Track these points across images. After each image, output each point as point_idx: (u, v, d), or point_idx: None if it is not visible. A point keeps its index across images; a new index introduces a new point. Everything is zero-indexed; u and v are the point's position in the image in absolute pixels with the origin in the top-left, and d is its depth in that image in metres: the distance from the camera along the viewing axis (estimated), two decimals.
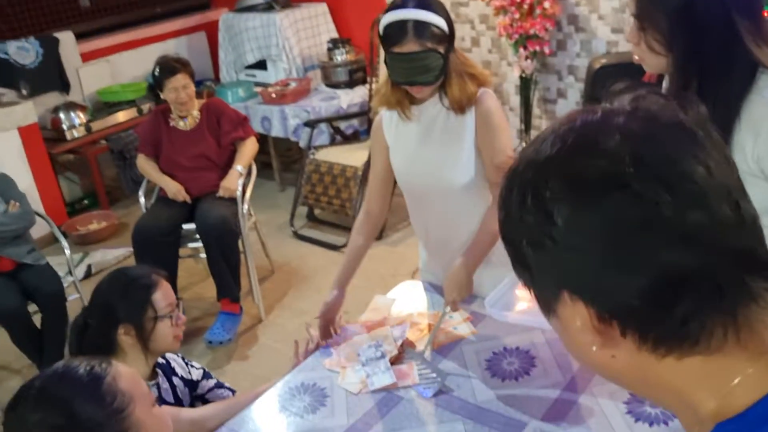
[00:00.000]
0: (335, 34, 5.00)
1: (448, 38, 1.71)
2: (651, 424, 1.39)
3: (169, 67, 3.26)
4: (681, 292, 0.53)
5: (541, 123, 4.39)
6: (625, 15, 3.80)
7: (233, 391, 1.96)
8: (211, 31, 5.45)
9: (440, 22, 1.68)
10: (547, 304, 0.61)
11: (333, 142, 4.44)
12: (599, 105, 0.61)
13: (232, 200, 3.33)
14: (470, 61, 1.81)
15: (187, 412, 1.78)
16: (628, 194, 0.53)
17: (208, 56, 5.63)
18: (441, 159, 1.82)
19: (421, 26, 1.66)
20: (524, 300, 1.66)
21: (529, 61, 3.98)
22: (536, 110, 4.33)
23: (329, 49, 4.67)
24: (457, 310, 1.79)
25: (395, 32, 1.68)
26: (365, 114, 4.50)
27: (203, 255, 3.30)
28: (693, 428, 0.58)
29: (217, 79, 5.42)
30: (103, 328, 1.67)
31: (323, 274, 3.77)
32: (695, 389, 0.57)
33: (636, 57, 1.41)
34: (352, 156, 4.11)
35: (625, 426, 1.40)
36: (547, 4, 3.78)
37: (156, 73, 3.31)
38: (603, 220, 0.53)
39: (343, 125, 4.50)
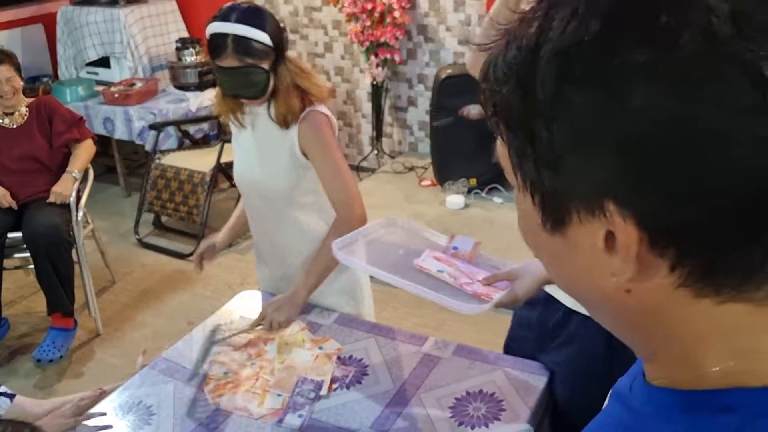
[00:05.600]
0: (185, 34, 4.82)
1: (275, 52, 1.68)
2: (473, 428, 1.43)
3: None
4: None
5: (392, 130, 4.47)
6: (470, 27, 3.96)
7: (11, 396, 1.82)
8: (49, 23, 5.07)
9: (263, 37, 1.64)
10: (557, 212, 0.46)
11: (181, 146, 4.27)
12: None
13: (65, 206, 3.10)
14: (307, 73, 1.76)
15: None
16: (736, 69, 0.38)
17: (45, 51, 5.23)
18: (265, 166, 1.81)
19: (241, 42, 1.63)
20: (372, 247, 1.61)
21: (380, 68, 4.04)
22: (387, 117, 4.40)
23: (178, 49, 4.49)
24: (273, 330, 1.77)
25: (216, 45, 1.65)
26: (216, 118, 4.35)
27: (33, 266, 3.05)
28: (672, 376, 0.49)
29: (55, 76, 5.06)
30: None
31: (169, 284, 3.61)
32: (715, 341, 0.46)
33: None
34: (201, 161, 3.97)
35: (449, 430, 1.43)
36: (397, 14, 3.86)
37: None
38: (699, 106, 0.38)
39: (192, 129, 4.35)
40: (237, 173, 1.91)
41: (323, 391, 1.58)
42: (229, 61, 1.64)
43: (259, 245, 2.02)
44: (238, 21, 1.63)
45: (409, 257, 1.55)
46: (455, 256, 1.55)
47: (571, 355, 1.54)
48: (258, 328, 1.80)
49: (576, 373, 1.54)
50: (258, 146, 1.82)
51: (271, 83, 1.69)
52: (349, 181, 1.79)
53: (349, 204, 1.77)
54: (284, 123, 1.73)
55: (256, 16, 1.65)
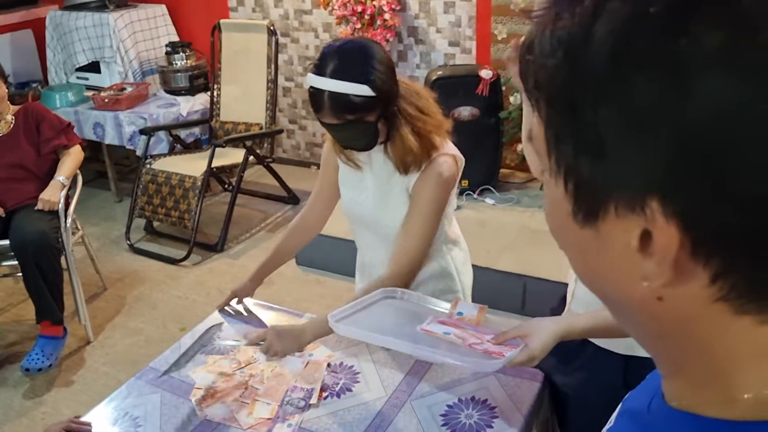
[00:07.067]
0: (175, 38, 4.79)
1: (381, 100, 1.49)
2: None
3: None
4: None
5: None
6: (461, 29, 3.94)
7: None
8: (38, 28, 5.04)
9: (362, 89, 1.45)
10: (592, 203, 0.42)
11: (172, 151, 4.24)
12: None
13: (54, 213, 3.06)
14: (426, 114, 1.58)
15: None
16: None
17: (35, 56, 5.20)
18: (382, 204, 1.70)
19: (337, 99, 1.46)
20: (373, 317, 1.50)
21: None
22: None
23: (168, 53, 4.47)
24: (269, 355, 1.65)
25: (314, 100, 1.50)
26: (206, 122, 4.34)
27: (21, 274, 3.01)
28: (697, 398, 0.45)
29: (45, 82, 5.03)
30: None
31: (160, 290, 3.58)
32: (751, 365, 0.42)
33: None
34: (191, 165, 3.94)
35: None
36: (387, 16, 3.84)
37: None
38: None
39: (183, 133, 4.32)
40: (347, 207, 1.79)
41: (313, 400, 1.55)
42: (328, 118, 1.50)
43: (366, 274, 1.89)
44: (334, 75, 1.45)
45: (412, 325, 1.44)
46: (461, 321, 1.45)
47: (585, 380, 1.51)
48: (255, 346, 1.71)
49: (588, 399, 1.49)
50: (374, 183, 1.69)
51: (382, 131, 1.55)
52: (426, 246, 1.65)
53: (413, 267, 1.64)
54: (404, 168, 1.59)
55: (354, 65, 1.47)
